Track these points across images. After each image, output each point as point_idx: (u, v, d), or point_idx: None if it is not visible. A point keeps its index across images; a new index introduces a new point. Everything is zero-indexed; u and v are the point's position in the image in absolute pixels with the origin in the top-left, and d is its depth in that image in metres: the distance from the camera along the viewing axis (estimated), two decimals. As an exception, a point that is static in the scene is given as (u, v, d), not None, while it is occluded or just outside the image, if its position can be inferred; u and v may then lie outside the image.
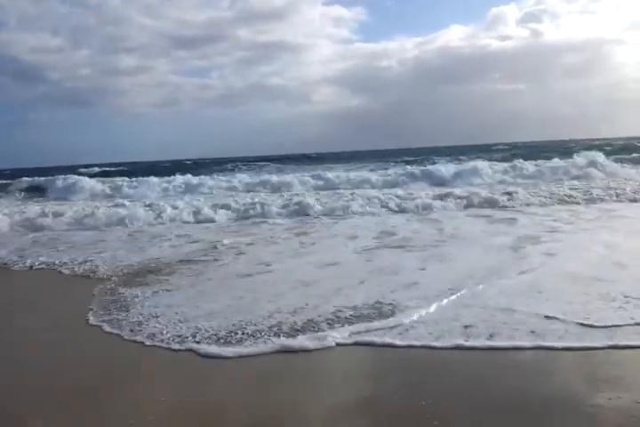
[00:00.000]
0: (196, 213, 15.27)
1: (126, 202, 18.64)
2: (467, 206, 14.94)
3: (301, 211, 15.02)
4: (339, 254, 9.47)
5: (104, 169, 30.90)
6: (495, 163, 23.45)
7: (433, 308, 5.94)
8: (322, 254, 9.57)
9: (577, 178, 20.17)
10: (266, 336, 5.22)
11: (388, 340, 5.02)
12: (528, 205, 14.83)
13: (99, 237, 12.77)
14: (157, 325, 5.83)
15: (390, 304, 6.14)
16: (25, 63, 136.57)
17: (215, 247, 10.64)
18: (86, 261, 9.72)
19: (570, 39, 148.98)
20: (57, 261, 9.86)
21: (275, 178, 23.74)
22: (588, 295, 6.12)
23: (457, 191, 16.89)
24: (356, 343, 4.99)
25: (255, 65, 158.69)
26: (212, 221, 14.71)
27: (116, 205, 17.57)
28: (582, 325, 5.16)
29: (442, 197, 16.02)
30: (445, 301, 6.19)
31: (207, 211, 15.39)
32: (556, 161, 22.63)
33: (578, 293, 6.27)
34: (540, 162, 22.61)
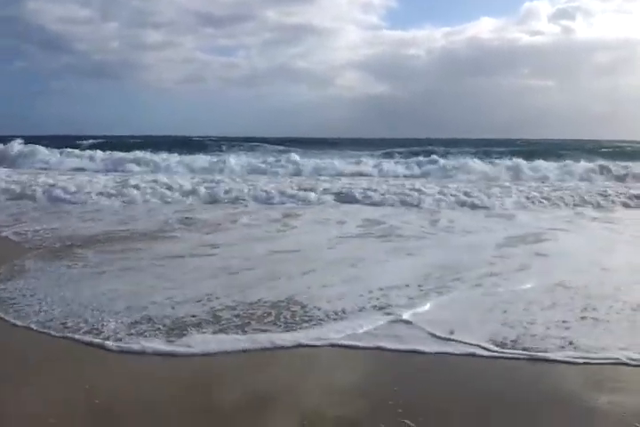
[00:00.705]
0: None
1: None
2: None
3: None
4: (308, 240, 8.68)
5: (108, 141, 29.26)
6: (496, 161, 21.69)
7: (335, 312, 5.08)
8: (291, 239, 8.85)
9: (582, 180, 18.82)
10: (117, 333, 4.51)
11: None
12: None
13: (97, 207, 12.34)
14: (26, 304, 5.24)
15: (299, 304, 5.30)
16: (52, 33, 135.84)
17: (191, 224, 10.10)
18: (47, 229, 9.22)
19: (602, 37, 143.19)
20: (22, 230, 9.20)
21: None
22: (534, 309, 5.28)
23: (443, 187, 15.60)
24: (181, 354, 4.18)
25: (281, 47, 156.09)
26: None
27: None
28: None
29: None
30: (363, 304, 5.34)
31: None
32: (568, 163, 21.14)
33: (527, 304, 5.41)
34: (552, 162, 21.11)
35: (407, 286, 6.03)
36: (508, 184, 17.14)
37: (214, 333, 4.53)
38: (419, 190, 14.81)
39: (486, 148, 27.00)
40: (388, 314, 5.01)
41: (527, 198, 13.91)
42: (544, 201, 13.65)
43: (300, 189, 14.82)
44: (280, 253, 7.70)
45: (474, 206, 13.01)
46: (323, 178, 19.01)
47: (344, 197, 13.96)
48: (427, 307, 5.29)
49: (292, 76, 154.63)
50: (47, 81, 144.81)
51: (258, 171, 20.60)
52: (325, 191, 14.66)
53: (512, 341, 4.45)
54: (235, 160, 22.05)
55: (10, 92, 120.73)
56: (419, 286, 6.05)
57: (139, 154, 22.52)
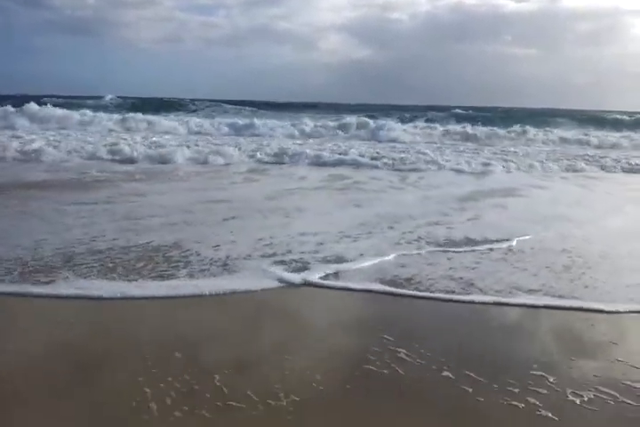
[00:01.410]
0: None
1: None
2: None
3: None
4: (254, 191, 8.07)
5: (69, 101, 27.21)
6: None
7: (218, 259, 4.48)
8: (237, 191, 8.16)
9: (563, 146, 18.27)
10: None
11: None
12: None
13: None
14: None
15: (181, 249, 4.70)
16: None
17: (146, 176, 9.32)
18: None
19: (587, 6, 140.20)
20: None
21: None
22: (450, 254, 4.84)
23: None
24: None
25: (263, 6, 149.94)
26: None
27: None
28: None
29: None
30: (255, 250, 4.72)
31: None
32: (550, 130, 20.52)
33: (446, 249, 4.99)
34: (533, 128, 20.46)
35: (327, 232, 5.42)
36: (490, 148, 16.52)
37: (73, 277, 3.93)
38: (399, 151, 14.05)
39: (467, 111, 26.24)
40: (279, 262, 4.40)
41: (507, 161, 13.16)
42: (525, 163, 12.92)
43: (276, 150, 13.87)
44: (212, 202, 7.00)
45: (453, 168, 12.14)
46: (300, 140, 18.10)
47: (317, 159, 13.04)
48: (326, 252, 4.70)
49: (274, 38, 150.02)
50: (22, 38, 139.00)
51: (232, 133, 19.63)
52: (301, 153, 13.70)
53: (406, 279, 4.10)
54: (212, 121, 21.04)
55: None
56: (340, 232, 5.44)
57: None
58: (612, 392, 2.60)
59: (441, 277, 4.18)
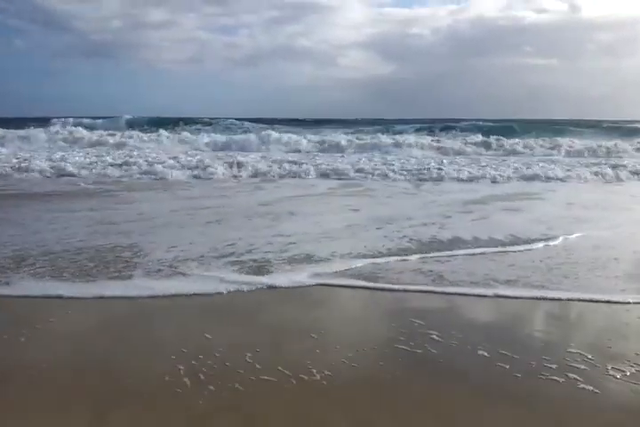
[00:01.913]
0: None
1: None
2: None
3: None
4: (251, 198, 7.87)
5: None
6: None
7: (165, 261, 4.24)
8: (235, 199, 7.90)
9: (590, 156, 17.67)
10: None
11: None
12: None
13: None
14: None
15: (135, 251, 4.50)
16: (50, 11, 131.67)
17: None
18: None
19: (608, 16, 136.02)
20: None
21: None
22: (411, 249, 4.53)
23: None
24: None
25: (284, 25, 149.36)
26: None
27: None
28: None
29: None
30: (213, 251, 4.51)
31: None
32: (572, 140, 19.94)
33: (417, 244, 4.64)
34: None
35: (306, 233, 5.23)
36: (512, 157, 16.06)
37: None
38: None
39: (488, 123, 25.66)
40: (234, 262, 4.17)
41: (528, 169, 12.65)
42: (547, 170, 12.42)
43: (289, 163, 13.57)
44: (203, 208, 6.79)
45: (470, 176, 11.70)
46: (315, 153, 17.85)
47: (333, 171, 12.67)
48: (294, 251, 4.50)
49: (295, 56, 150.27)
50: (44, 61, 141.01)
51: (247, 147, 19.48)
52: (315, 165, 13.38)
53: (380, 273, 4.00)
54: (223, 135, 21.06)
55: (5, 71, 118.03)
56: (321, 233, 5.26)
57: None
58: (656, 369, 2.55)
59: (415, 270, 4.05)
